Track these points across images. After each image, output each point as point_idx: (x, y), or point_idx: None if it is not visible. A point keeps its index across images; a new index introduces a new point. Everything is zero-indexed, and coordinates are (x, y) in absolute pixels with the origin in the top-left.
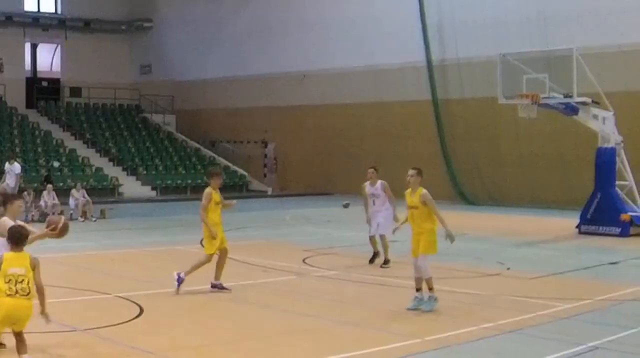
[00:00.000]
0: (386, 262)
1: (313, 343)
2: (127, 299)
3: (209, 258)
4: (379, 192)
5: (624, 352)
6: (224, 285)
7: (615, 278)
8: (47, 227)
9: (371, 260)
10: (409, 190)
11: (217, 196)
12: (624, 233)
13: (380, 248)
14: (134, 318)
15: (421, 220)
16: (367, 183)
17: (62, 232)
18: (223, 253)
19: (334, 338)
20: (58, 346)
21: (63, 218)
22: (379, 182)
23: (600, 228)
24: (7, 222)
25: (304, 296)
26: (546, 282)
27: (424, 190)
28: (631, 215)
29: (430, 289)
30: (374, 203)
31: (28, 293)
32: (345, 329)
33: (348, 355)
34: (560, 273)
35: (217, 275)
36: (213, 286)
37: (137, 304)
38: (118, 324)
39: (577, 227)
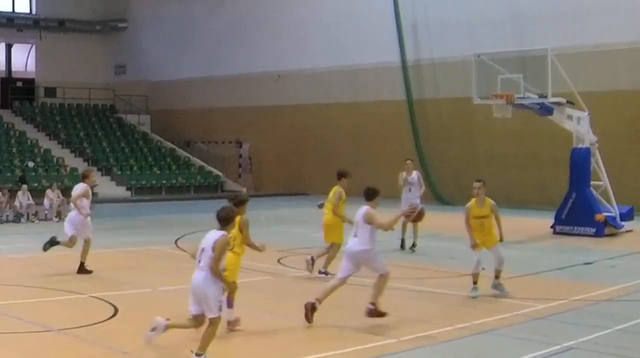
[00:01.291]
0: (414, 245)
1: (289, 344)
2: (102, 299)
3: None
4: (414, 181)
5: (598, 352)
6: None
7: (590, 278)
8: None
9: (402, 246)
10: (475, 200)
11: (344, 195)
12: (599, 234)
13: (410, 235)
14: (108, 319)
15: (490, 226)
16: (404, 173)
17: (419, 217)
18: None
19: (310, 338)
20: (33, 346)
21: (421, 206)
22: (415, 171)
23: (575, 228)
24: None
25: (279, 297)
26: (521, 282)
27: (492, 201)
28: (606, 216)
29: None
30: (410, 191)
31: None
32: (321, 329)
33: (324, 355)
34: (535, 274)
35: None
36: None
37: (111, 304)
38: (93, 324)
39: (552, 227)
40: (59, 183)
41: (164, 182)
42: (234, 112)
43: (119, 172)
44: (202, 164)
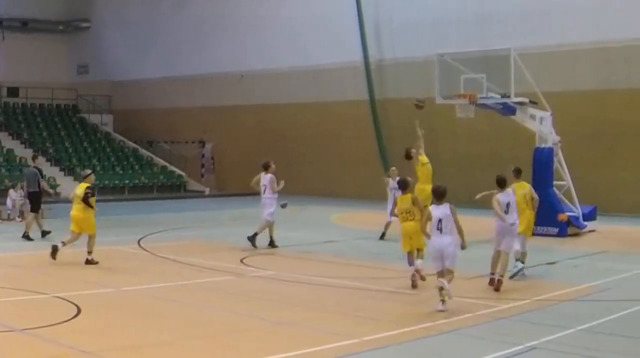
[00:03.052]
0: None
1: (251, 344)
2: (65, 299)
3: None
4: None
5: (561, 352)
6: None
7: (553, 278)
8: None
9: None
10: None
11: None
12: (562, 234)
13: None
14: (71, 319)
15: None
16: (389, 179)
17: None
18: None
19: (271, 338)
20: None
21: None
22: (399, 178)
23: (538, 228)
24: None
25: (241, 296)
26: (484, 282)
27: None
28: (569, 216)
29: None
30: (395, 196)
31: None
32: (283, 329)
33: (286, 355)
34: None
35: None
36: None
37: (74, 304)
38: (56, 324)
39: None
40: (22, 183)
41: (127, 181)
42: (197, 112)
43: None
44: (165, 163)
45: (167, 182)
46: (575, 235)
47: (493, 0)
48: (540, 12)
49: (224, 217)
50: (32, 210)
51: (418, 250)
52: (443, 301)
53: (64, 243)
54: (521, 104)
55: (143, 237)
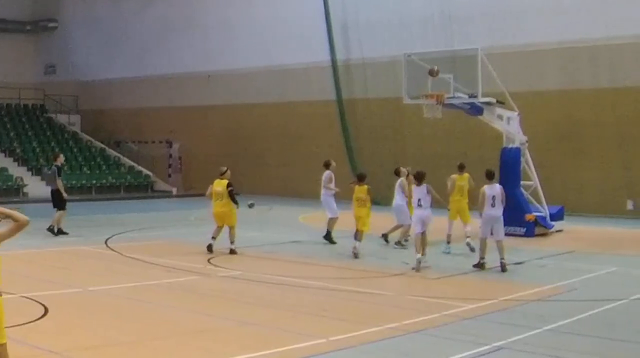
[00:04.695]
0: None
1: (217, 344)
2: (32, 299)
3: None
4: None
5: (528, 352)
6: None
7: (520, 278)
8: None
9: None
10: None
11: None
12: (529, 234)
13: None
14: (38, 319)
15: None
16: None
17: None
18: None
19: (238, 338)
20: None
21: None
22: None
23: (505, 228)
24: None
25: (208, 296)
26: (451, 282)
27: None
28: (536, 216)
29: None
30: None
31: None
32: (249, 329)
33: (252, 356)
34: (464, 274)
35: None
36: None
37: (41, 304)
38: (23, 324)
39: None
40: None
41: (94, 181)
42: (164, 112)
43: (49, 172)
44: (132, 163)
45: (134, 182)
46: (543, 235)
47: (460, 1)
48: (507, 12)
49: (192, 217)
50: (55, 206)
51: (362, 231)
52: (422, 252)
53: (214, 238)
54: (488, 104)
55: (110, 237)
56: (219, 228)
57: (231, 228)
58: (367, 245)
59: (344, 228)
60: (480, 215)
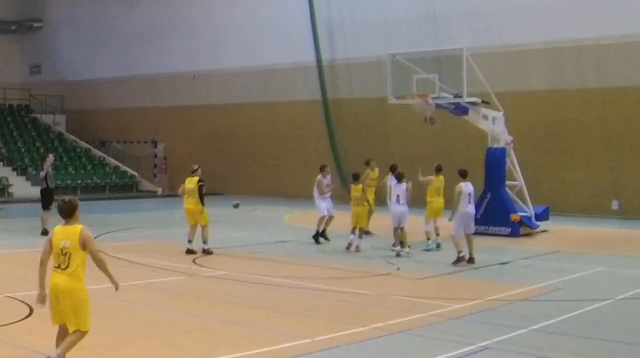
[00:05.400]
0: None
1: (203, 343)
2: (17, 299)
3: None
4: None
5: (514, 352)
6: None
7: (506, 278)
8: None
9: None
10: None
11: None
12: (514, 234)
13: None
14: (23, 319)
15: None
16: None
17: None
18: None
19: (223, 338)
20: None
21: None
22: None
23: (491, 228)
24: None
25: (193, 296)
26: (436, 282)
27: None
28: (521, 216)
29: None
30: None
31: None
32: (235, 329)
33: (238, 356)
34: (450, 274)
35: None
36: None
37: (26, 304)
38: (8, 324)
39: None
40: None
41: (79, 181)
42: (149, 112)
43: (34, 172)
44: (118, 163)
45: (119, 182)
46: (528, 235)
47: (445, 1)
48: (492, 12)
49: (177, 217)
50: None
51: (360, 228)
52: (402, 244)
53: (190, 241)
54: (473, 104)
55: (95, 237)
56: (193, 227)
57: (203, 227)
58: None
59: (338, 229)
60: (453, 212)
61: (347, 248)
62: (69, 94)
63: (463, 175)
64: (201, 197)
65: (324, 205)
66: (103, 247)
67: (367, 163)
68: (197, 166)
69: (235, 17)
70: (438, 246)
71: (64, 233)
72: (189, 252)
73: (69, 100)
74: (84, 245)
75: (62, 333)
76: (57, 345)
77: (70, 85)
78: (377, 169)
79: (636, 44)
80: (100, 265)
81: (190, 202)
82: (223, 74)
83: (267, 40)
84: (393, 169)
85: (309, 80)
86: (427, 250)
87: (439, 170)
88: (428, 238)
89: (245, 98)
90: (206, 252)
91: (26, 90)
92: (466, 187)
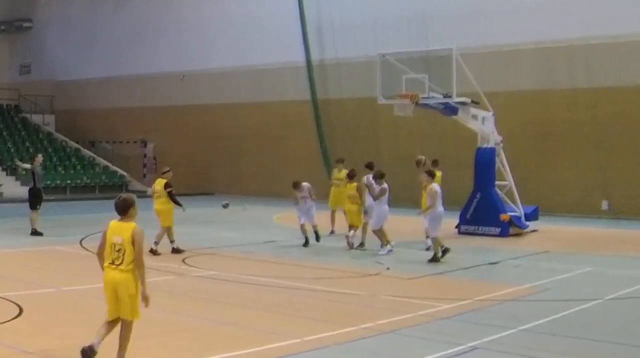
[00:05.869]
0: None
1: (192, 343)
2: (7, 299)
3: None
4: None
5: (503, 352)
6: None
7: (495, 278)
8: None
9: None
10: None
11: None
12: (504, 234)
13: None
14: (13, 319)
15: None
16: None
17: None
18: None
19: (213, 338)
20: None
21: None
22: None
23: (480, 228)
24: None
25: (183, 296)
26: (425, 282)
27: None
28: (510, 216)
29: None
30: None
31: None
32: (224, 329)
33: (227, 356)
34: (439, 274)
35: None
36: None
37: (16, 304)
38: None
39: (456, 227)
40: None
41: (69, 181)
42: (138, 112)
43: (24, 172)
44: (107, 163)
45: (109, 182)
46: (517, 235)
47: (435, 1)
48: (482, 12)
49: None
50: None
51: (352, 225)
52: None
53: (172, 241)
54: (463, 104)
55: (85, 237)
56: (164, 229)
57: (167, 228)
58: (338, 245)
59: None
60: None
61: (350, 247)
62: (58, 94)
63: (432, 175)
64: (175, 201)
65: (297, 214)
66: (92, 247)
67: (340, 161)
68: (168, 168)
69: (225, 17)
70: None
71: (118, 229)
72: (175, 251)
73: (59, 100)
74: (134, 244)
75: (109, 327)
76: (100, 335)
77: (59, 85)
78: (344, 171)
79: (626, 44)
80: (139, 264)
81: (156, 203)
82: (213, 74)
83: (257, 41)
84: (371, 168)
85: (299, 80)
86: (428, 248)
87: (435, 164)
88: (427, 237)
89: (235, 98)
90: (175, 251)
91: (16, 90)
92: (439, 188)
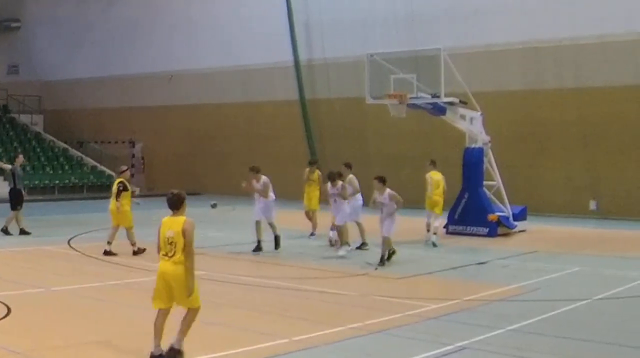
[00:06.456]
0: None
1: None
2: None
3: None
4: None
5: (491, 352)
6: None
7: (483, 278)
8: None
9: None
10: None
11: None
12: (492, 234)
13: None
14: (1, 319)
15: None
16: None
17: None
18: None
19: (201, 338)
20: None
21: None
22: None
23: (468, 228)
24: None
25: None
26: (414, 282)
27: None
28: (499, 216)
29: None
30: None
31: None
32: (212, 329)
33: (216, 356)
34: (428, 274)
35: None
36: None
37: (4, 304)
38: None
39: (444, 227)
40: None
41: (57, 181)
42: (127, 112)
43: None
44: (95, 163)
45: (97, 182)
46: (505, 235)
47: (422, 1)
48: (470, 12)
49: (154, 217)
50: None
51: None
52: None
53: (134, 244)
54: (451, 104)
55: (73, 237)
56: (114, 229)
57: (127, 229)
58: (326, 245)
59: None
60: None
61: (331, 245)
62: (46, 94)
63: (384, 181)
64: (117, 195)
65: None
66: (80, 247)
67: (314, 162)
68: (125, 167)
69: (213, 17)
70: (434, 245)
71: (170, 223)
72: (107, 253)
73: (47, 100)
74: (184, 235)
75: (162, 317)
76: (157, 328)
77: (48, 85)
78: (317, 172)
79: (614, 44)
80: (189, 252)
81: (113, 203)
82: (201, 73)
83: (245, 41)
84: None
85: (287, 80)
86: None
87: (433, 163)
88: (428, 230)
89: (223, 98)
90: (135, 252)
91: (4, 90)
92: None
